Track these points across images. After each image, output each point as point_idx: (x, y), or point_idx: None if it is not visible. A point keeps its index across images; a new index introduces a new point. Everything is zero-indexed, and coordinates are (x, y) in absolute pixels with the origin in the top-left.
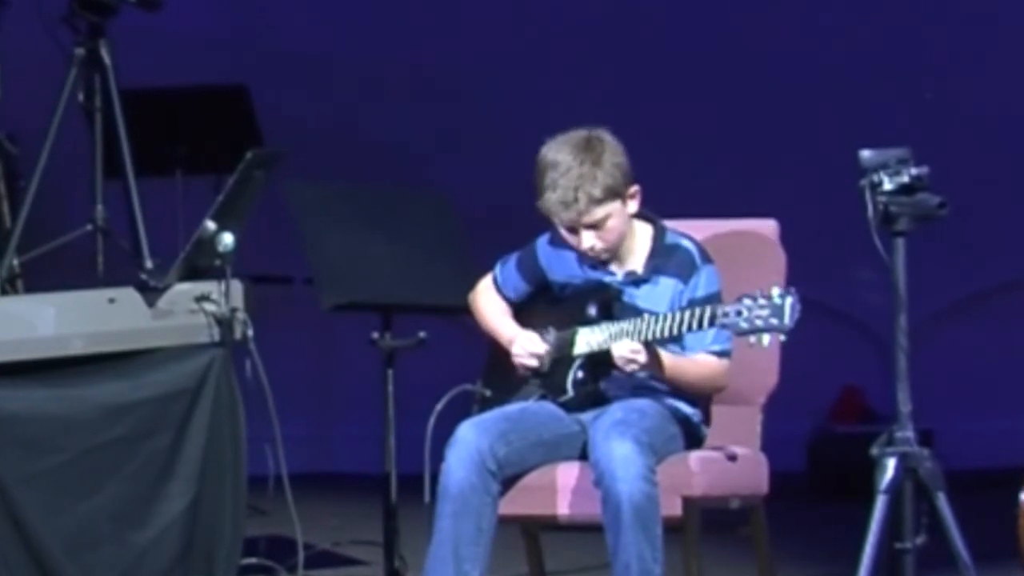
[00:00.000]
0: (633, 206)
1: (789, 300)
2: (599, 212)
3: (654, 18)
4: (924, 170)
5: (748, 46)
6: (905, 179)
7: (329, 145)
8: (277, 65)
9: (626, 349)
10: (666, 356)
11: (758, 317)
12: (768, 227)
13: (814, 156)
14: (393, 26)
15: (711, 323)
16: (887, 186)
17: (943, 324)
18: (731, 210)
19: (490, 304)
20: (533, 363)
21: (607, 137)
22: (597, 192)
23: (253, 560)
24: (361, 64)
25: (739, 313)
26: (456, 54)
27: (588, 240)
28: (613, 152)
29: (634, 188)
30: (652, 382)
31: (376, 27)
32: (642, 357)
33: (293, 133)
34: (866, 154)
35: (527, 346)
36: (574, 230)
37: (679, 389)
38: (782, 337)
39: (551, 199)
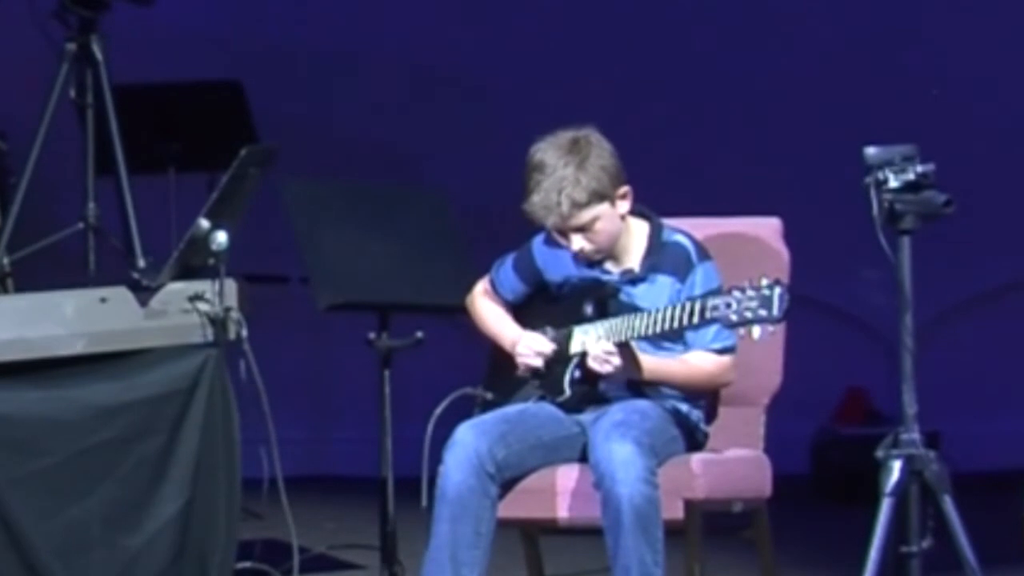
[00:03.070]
0: (624, 207)
1: (777, 290)
2: (584, 216)
3: (656, 15)
4: (930, 167)
5: (751, 43)
6: (911, 176)
7: (325, 142)
8: (272, 61)
9: (599, 350)
10: (646, 357)
11: (747, 309)
12: (771, 225)
13: (818, 153)
14: (391, 23)
15: (701, 316)
16: (892, 183)
17: (949, 324)
18: (734, 208)
19: (489, 308)
20: (538, 362)
21: (595, 138)
22: (580, 196)
23: (247, 564)
24: (358, 61)
25: (728, 305)
26: (455, 52)
27: (577, 243)
28: (599, 154)
29: (624, 189)
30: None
31: (373, 24)
32: (616, 359)
33: (288, 130)
34: (871, 151)
35: (532, 345)
36: (563, 232)
37: (679, 388)
38: (771, 328)
39: (534, 202)
